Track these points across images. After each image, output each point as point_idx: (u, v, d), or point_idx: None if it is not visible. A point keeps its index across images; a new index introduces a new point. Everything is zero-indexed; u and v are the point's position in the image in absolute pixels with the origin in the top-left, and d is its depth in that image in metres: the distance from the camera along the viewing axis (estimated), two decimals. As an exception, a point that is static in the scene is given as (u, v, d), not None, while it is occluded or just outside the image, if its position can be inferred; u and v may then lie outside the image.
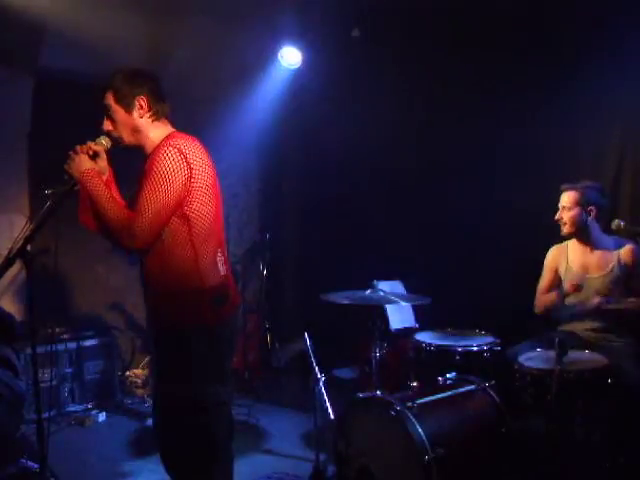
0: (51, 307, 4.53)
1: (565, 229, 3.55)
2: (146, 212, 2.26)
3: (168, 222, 2.32)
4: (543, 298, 3.64)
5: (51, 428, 3.88)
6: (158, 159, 2.30)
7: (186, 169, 2.30)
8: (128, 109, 2.43)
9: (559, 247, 3.67)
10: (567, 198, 3.54)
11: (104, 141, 2.47)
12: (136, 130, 2.45)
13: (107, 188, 2.37)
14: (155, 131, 2.45)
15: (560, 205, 3.57)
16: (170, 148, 2.31)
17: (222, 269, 2.46)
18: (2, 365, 3.21)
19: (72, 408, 4.43)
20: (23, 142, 4.70)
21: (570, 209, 3.51)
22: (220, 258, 2.46)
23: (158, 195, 2.27)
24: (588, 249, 3.53)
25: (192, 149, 2.35)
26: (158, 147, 2.36)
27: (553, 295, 3.56)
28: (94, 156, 2.44)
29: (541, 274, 3.70)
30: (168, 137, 2.41)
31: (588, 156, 4.18)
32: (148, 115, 2.44)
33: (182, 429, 2.39)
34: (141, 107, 2.43)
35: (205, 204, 2.37)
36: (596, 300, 3.35)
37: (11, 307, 4.56)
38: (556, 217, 3.57)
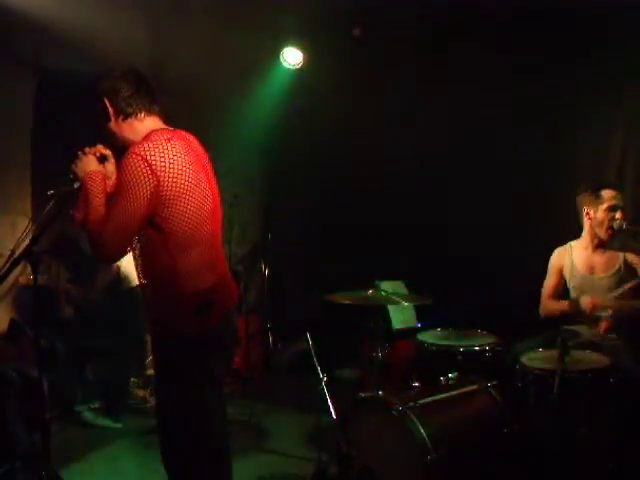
0: (54, 307, 4.57)
1: (610, 232, 3.40)
2: (110, 223, 2.19)
3: (137, 232, 2.25)
4: (551, 305, 3.57)
5: (54, 428, 3.95)
6: (122, 168, 2.21)
7: (151, 179, 2.17)
8: (103, 114, 2.38)
9: (562, 249, 3.63)
10: (622, 200, 3.42)
11: None
12: (113, 134, 2.39)
13: (104, 196, 2.30)
14: (131, 130, 2.36)
15: (617, 204, 3.39)
16: (133, 156, 2.19)
17: (210, 275, 2.35)
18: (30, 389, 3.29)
19: (75, 408, 4.43)
20: (25, 142, 4.70)
21: (623, 210, 3.40)
22: (208, 263, 2.36)
23: (121, 207, 2.18)
24: (595, 250, 3.49)
25: (161, 154, 2.20)
26: (125, 154, 2.24)
27: (564, 305, 3.47)
28: (102, 159, 2.41)
29: (545, 276, 3.67)
30: (143, 139, 2.27)
31: (590, 157, 4.18)
32: (116, 116, 2.35)
33: (174, 430, 2.41)
34: (107, 109, 2.36)
35: (182, 210, 2.24)
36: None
37: (13, 307, 4.56)
38: (617, 216, 3.36)
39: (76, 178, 2.35)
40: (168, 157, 2.23)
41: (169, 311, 2.33)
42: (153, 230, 2.25)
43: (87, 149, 2.39)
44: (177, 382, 2.36)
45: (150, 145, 2.23)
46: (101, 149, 2.41)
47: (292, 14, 4.94)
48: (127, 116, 2.36)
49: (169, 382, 2.38)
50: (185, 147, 2.33)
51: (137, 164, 2.18)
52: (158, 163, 2.20)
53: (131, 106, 2.35)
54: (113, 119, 2.37)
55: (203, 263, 2.34)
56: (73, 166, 2.36)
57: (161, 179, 2.20)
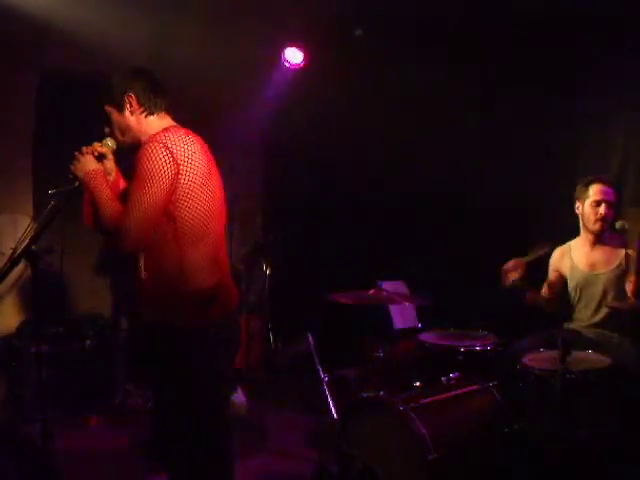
0: (54, 307, 4.57)
1: (602, 226, 3.38)
2: (133, 213, 2.20)
3: (158, 221, 2.26)
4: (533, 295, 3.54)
5: (53, 428, 3.95)
6: (143, 156, 2.24)
7: (172, 165, 2.22)
8: (120, 109, 2.41)
9: (562, 249, 3.63)
10: (612, 195, 3.39)
11: (110, 142, 2.46)
12: (129, 129, 2.42)
13: (110, 190, 2.33)
14: (149, 127, 2.41)
15: (604, 200, 3.37)
16: (155, 144, 2.24)
17: (214, 273, 2.37)
18: None
19: (74, 408, 4.43)
20: (26, 141, 4.71)
21: (613, 207, 3.39)
22: (213, 259, 2.38)
23: (144, 195, 2.20)
24: (594, 247, 3.48)
25: (181, 144, 2.26)
26: (145, 143, 2.29)
27: (543, 294, 3.49)
28: (100, 157, 2.42)
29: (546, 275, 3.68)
30: (159, 132, 2.32)
31: (591, 156, 4.17)
32: (139, 112, 2.41)
33: (177, 429, 2.40)
34: (130, 104, 2.40)
35: (195, 202, 2.28)
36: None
37: (14, 306, 4.57)
38: (603, 212, 3.35)
39: (75, 179, 2.36)
40: (187, 147, 2.29)
41: (171, 307, 2.33)
42: (165, 219, 2.27)
43: (84, 149, 2.40)
44: (180, 380, 2.36)
45: (170, 134, 2.29)
46: (98, 147, 2.43)
47: (294, 14, 4.94)
48: (150, 113, 2.42)
49: (172, 380, 2.37)
50: (198, 143, 2.37)
51: (159, 151, 2.23)
52: (178, 150, 2.25)
53: (156, 104, 2.43)
54: (134, 114, 2.41)
55: (208, 259, 2.36)
56: (72, 168, 2.37)
57: (181, 167, 2.25)
